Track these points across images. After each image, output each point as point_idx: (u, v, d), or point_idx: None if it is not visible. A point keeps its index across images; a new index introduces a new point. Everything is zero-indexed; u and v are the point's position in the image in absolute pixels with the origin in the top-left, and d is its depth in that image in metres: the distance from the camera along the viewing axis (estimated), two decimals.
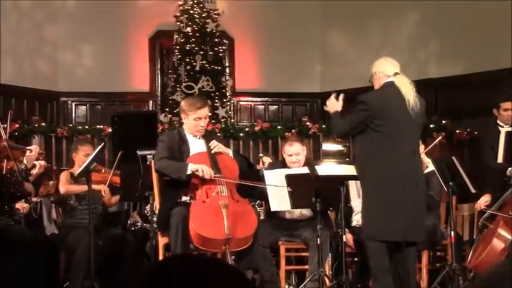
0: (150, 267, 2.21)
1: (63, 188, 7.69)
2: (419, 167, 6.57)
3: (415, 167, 6.44)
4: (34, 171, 6.22)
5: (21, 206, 7.59)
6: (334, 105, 6.73)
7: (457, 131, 11.18)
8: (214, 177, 6.83)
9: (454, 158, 7.13)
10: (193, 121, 7.01)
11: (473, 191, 7.15)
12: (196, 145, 7.06)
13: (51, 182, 7.93)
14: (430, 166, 7.36)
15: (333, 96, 6.78)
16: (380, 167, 6.33)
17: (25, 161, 6.03)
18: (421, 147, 7.73)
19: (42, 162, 6.31)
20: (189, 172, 6.75)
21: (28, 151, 6.13)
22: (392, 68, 6.53)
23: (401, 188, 6.28)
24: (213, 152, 7.02)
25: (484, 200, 7.86)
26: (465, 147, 11.18)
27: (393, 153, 6.31)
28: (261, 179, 7.37)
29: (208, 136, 7.20)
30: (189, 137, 7.09)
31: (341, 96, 6.74)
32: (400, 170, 6.30)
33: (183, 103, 7.26)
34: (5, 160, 5.94)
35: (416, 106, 6.40)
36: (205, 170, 6.76)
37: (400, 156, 6.32)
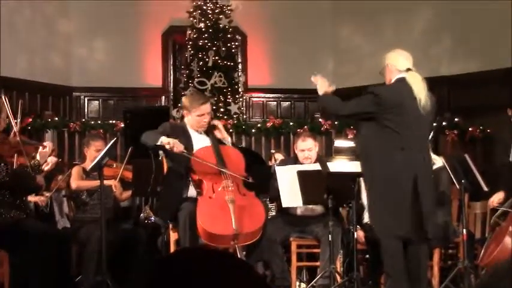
0: (159, 260, 2.21)
1: (74, 184, 7.70)
2: (429, 165, 6.54)
3: (425, 165, 6.41)
4: (46, 168, 6.22)
5: (39, 199, 7.62)
6: (323, 86, 6.69)
7: (470, 129, 11.14)
8: (218, 168, 6.83)
9: (466, 155, 7.11)
10: (197, 117, 7.05)
11: (485, 189, 7.13)
12: (199, 140, 7.08)
13: (60, 176, 7.94)
14: (437, 162, 7.31)
15: (319, 77, 6.73)
16: (389, 164, 6.30)
17: (38, 157, 6.04)
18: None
19: (54, 159, 6.31)
20: (159, 143, 6.74)
21: (41, 147, 6.13)
22: (405, 62, 6.47)
23: (412, 187, 6.25)
24: (213, 123, 7.05)
25: (498, 198, 7.82)
26: (478, 145, 11.15)
27: (403, 151, 6.27)
28: (273, 175, 7.38)
29: (211, 131, 7.21)
30: (192, 132, 7.11)
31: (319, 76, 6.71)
32: (410, 169, 6.27)
33: (184, 100, 7.31)
34: (16, 155, 5.95)
35: (427, 105, 6.34)
36: (175, 144, 6.76)
37: (410, 154, 6.29)
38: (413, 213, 6.25)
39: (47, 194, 7.74)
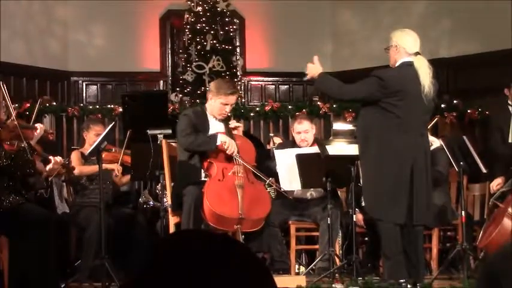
0: (159, 240, 2.21)
1: (77, 169, 7.69)
2: (428, 150, 6.53)
3: (423, 150, 6.40)
4: (48, 167, 6.20)
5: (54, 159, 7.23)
6: (314, 68, 6.60)
7: (469, 111, 11.13)
8: (235, 155, 6.83)
9: (465, 137, 7.10)
10: (220, 105, 6.96)
11: (484, 170, 7.13)
12: (215, 126, 7.05)
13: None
14: (434, 144, 7.29)
15: (309, 64, 6.66)
16: (388, 147, 6.28)
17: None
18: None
19: (59, 159, 6.27)
20: (219, 143, 6.73)
21: (33, 129, 6.15)
22: (415, 45, 6.38)
23: (409, 171, 6.24)
24: (231, 126, 7.04)
25: (497, 183, 7.86)
26: (476, 127, 11.14)
27: (402, 136, 6.26)
28: (272, 158, 7.38)
29: (226, 118, 7.18)
30: (210, 118, 7.06)
31: (315, 58, 6.63)
32: (408, 153, 6.26)
33: (213, 84, 7.23)
34: (15, 140, 5.94)
35: (430, 93, 6.31)
36: (232, 145, 6.76)
37: (410, 139, 6.27)
38: (409, 198, 6.24)
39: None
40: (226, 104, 6.97)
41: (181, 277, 1.91)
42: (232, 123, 7.14)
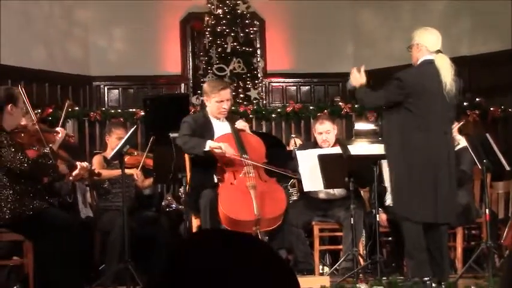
0: (182, 241, 2.20)
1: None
2: (451, 148, 6.50)
3: (447, 148, 6.37)
4: (75, 173, 6.23)
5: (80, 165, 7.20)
6: (357, 78, 6.62)
7: (491, 109, 11.07)
8: (240, 156, 6.83)
9: (488, 135, 7.07)
10: (216, 103, 7.03)
11: (507, 168, 7.10)
12: (220, 128, 7.08)
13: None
14: (461, 143, 7.28)
15: (354, 70, 6.67)
16: (410, 147, 6.27)
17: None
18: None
19: (85, 164, 6.30)
20: (207, 148, 6.75)
21: (55, 133, 6.19)
22: (437, 43, 6.36)
23: (432, 170, 6.22)
24: (238, 127, 7.05)
25: None
26: (499, 125, 11.08)
27: (423, 134, 6.23)
28: (293, 159, 7.38)
29: (232, 118, 7.21)
30: (214, 120, 7.10)
31: (362, 68, 6.63)
32: (430, 152, 6.23)
33: (205, 86, 7.32)
34: (37, 146, 5.98)
35: (452, 91, 6.28)
36: (225, 147, 6.76)
37: (431, 137, 6.24)
38: (433, 196, 6.22)
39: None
40: (222, 101, 7.02)
41: (203, 277, 1.91)
42: (239, 124, 7.16)
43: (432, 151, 6.24)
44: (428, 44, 6.36)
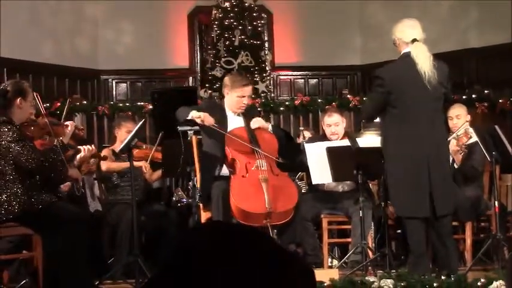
0: (189, 230, 2.21)
1: (104, 166, 7.75)
2: (442, 140, 6.44)
3: (436, 138, 6.31)
4: (79, 155, 6.22)
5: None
6: None
7: (500, 101, 11.04)
8: (256, 149, 6.84)
9: (496, 126, 7.04)
10: (236, 98, 7.02)
11: None
12: (234, 121, 7.07)
13: (92, 159, 7.97)
14: (474, 137, 7.25)
15: None
16: (399, 143, 6.23)
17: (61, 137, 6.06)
18: (467, 117, 7.66)
19: (90, 147, 6.29)
20: (189, 117, 6.74)
21: (64, 127, 6.19)
22: (411, 32, 6.30)
23: (423, 163, 6.17)
24: (252, 127, 7.04)
25: None
26: (508, 117, 11.05)
27: (411, 129, 6.17)
28: (302, 152, 7.37)
29: (247, 113, 7.19)
30: (229, 113, 7.10)
31: None
32: (420, 145, 6.18)
33: (227, 78, 7.26)
34: (47, 137, 5.99)
35: (434, 78, 6.19)
36: (206, 118, 6.75)
37: (419, 130, 6.18)
38: (426, 189, 6.18)
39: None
40: (243, 96, 7.01)
41: (207, 271, 1.91)
42: (255, 124, 7.11)
43: (421, 143, 6.18)
44: (403, 36, 6.32)
